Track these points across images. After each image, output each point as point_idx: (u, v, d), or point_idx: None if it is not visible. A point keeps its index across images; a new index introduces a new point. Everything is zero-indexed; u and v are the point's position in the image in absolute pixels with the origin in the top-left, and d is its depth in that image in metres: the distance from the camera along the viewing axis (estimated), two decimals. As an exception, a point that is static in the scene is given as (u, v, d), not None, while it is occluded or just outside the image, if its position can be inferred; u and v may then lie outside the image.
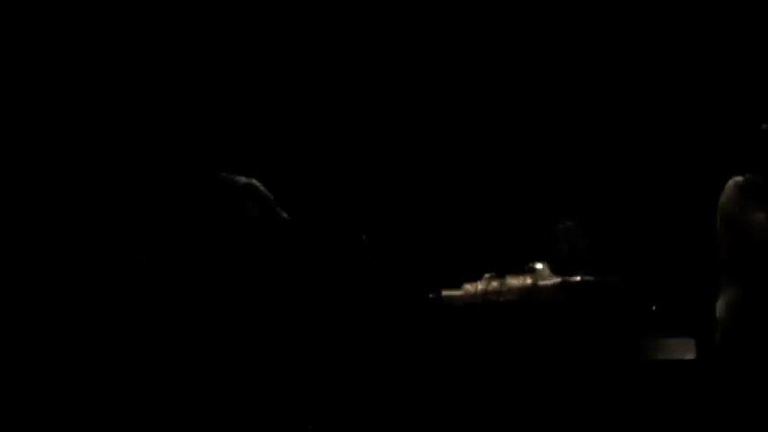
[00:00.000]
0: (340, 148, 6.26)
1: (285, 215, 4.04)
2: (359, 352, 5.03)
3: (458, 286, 4.78)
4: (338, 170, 6.13)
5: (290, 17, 6.16)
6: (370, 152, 6.32)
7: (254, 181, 4.04)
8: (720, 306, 3.60)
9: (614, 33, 6.36)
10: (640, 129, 6.35)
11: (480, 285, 4.62)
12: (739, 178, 3.71)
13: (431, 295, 4.87)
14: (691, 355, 4.47)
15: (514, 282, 4.55)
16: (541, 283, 4.48)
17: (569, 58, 6.35)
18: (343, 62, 6.25)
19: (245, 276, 4.10)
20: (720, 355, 3.63)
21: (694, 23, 6.37)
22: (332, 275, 4.80)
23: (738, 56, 6.44)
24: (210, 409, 3.95)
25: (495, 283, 4.58)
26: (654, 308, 4.55)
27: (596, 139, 6.24)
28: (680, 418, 4.46)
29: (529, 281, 4.50)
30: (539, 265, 4.56)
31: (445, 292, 4.76)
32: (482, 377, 4.50)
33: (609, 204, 5.73)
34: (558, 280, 4.46)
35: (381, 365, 4.90)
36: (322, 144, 6.22)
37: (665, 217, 5.62)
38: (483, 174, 6.14)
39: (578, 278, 4.38)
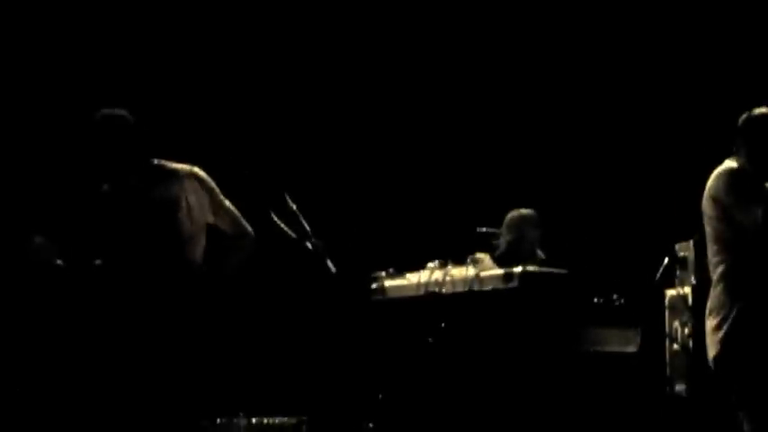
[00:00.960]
0: (292, 139, 6.40)
1: (238, 215, 4.12)
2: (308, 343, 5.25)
3: (401, 275, 4.85)
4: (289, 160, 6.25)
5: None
6: (323, 142, 6.47)
7: (196, 168, 4.08)
8: (720, 293, 3.69)
9: (567, 30, 6.54)
10: (593, 125, 6.57)
11: (423, 276, 4.70)
12: (724, 167, 3.84)
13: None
14: (633, 348, 4.62)
15: (458, 271, 4.64)
16: (485, 273, 4.54)
17: (523, 52, 6.54)
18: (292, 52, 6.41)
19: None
20: (737, 337, 3.71)
21: (654, 19, 6.54)
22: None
23: (691, 51, 6.62)
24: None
25: (438, 274, 4.66)
26: (596, 300, 4.66)
27: (548, 134, 6.46)
28: (621, 409, 4.61)
29: (472, 271, 4.56)
30: (480, 256, 4.65)
31: (388, 283, 4.83)
32: (425, 368, 4.60)
33: (561, 197, 5.92)
34: (500, 271, 4.53)
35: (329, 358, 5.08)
36: (276, 135, 6.34)
37: (612, 211, 5.79)
38: (432, 164, 6.36)
39: (520, 269, 4.44)
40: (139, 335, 3.95)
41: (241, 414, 4.41)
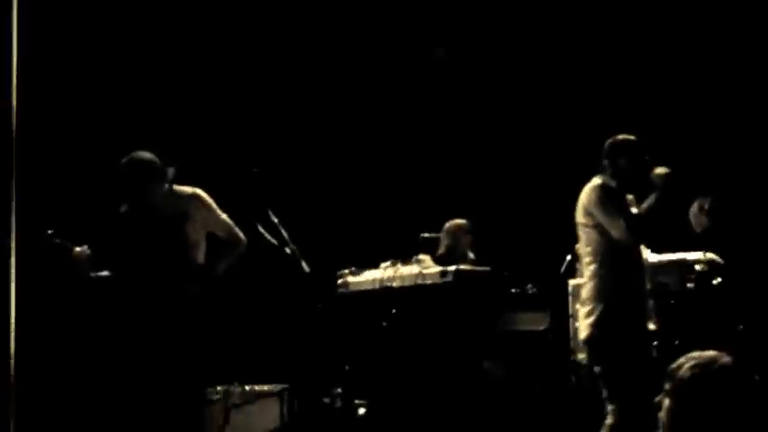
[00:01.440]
0: (253, 140, 6.85)
1: (234, 225, 4.78)
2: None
3: (361, 272, 5.71)
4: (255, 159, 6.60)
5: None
6: (285, 144, 6.97)
7: (199, 191, 4.79)
8: (594, 288, 4.34)
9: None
10: (516, 140, 7.18)
11: (378, 273, 5.60)
12: (598, 181, 4.41)
13: None
14: (544, 326, 5.59)
15: (406, 269, 5.54)
16: (426, 271, 5.47)
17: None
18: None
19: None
20: (604, 323, 4.33)
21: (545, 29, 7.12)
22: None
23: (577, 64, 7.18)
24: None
25: (390, 271, 5.55)
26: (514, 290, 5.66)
27: (475, 153, 7.10)
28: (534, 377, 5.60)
29: (416, 269, 5.49)
30: (423, 257, 5.58)
31: (351, 279, 5.69)
32: (381, 344, 5.44)
33: (486, 207, 6.66)
34: (438, 268, 5.46)
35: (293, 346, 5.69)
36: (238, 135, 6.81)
37: (525, 218, 6.67)
38: (385, 180, 7.01)
39: (454, 267, 5.37)
40: (154, 319, 4.61)
41: (236, 383, 5.09)
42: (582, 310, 4.42)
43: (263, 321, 5.93)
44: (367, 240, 6.17)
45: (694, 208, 5.55)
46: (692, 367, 2.56)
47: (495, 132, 7.13)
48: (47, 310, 5.67)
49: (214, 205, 4.82)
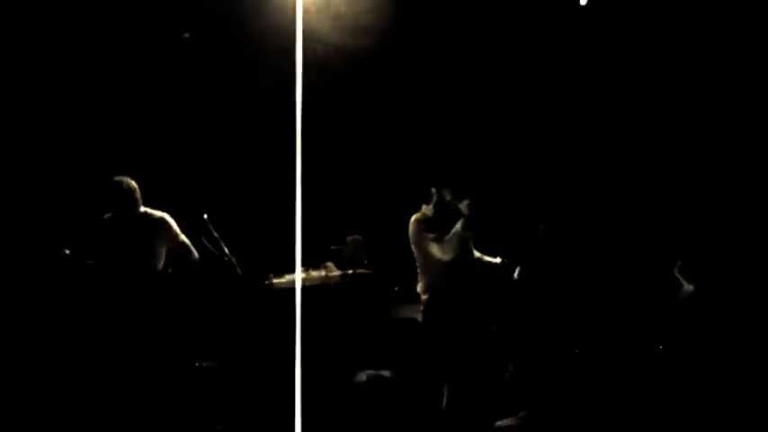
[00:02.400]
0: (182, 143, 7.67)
1: (190, 245, 5.88)
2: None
3: (282, 276, 6.93)
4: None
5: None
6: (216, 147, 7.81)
7: (166, 215, 5.96)
8: (421, 287, 5.88)
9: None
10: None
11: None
12: (417, 214, 5.76)
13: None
14: (418, 315, 6.69)
15: (315, 273, 6.95)
16: (330, 274, 6.92)
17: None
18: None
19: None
20: (426, 312, 5.82)
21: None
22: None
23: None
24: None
25: (304, 274, 6.85)
26: (396, 288, 7.00)
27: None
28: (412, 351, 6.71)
29: (323, 273, 6.93)
30: (329, 264, 7.03)
31: (275, 280, 6.91)
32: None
33: (376, 224, 7.59)
34: (339, 272, 6.89)
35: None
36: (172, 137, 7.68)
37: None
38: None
39: (351, 271, 6.86)
40: (124, 308, 5.77)
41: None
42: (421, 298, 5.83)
43: (209, 311, 6.72)
44: (287, 251, 7.50)
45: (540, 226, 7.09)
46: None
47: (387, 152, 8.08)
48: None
49: (177, 228, 6.07)
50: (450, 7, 7.28)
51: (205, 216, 6.54)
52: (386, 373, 3.67)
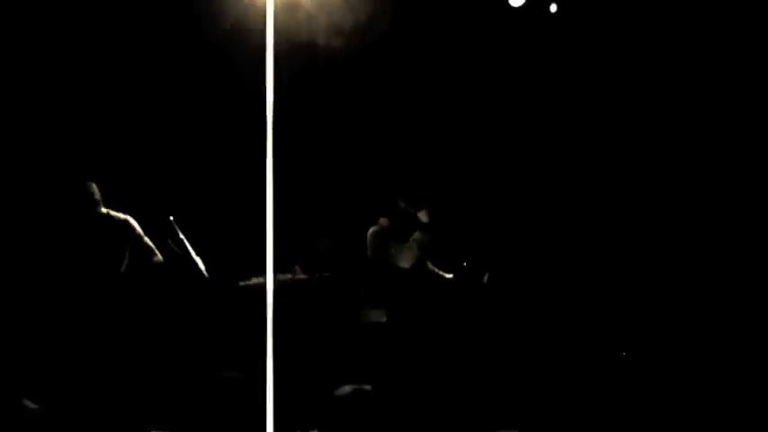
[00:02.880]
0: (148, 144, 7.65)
1: (154, 248, 6.00)
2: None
3: (248, 279, 6.96)
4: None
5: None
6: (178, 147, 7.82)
7: (130, 218, 6.08)
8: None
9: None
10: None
11: (262, 278, 6.77)
12: (376, 228, 5.99)
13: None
14: (384, 318, 6.92)
15: (282, 276, 6.85)
16: (297, 277, 6.93)
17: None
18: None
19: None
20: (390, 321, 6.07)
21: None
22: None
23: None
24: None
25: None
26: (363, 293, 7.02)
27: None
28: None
29: (290, 276, 6.96)
30: (296, 267, 7.00)
31: (241, 283, 6.94)
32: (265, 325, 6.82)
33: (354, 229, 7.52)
34: (304, 276, 6.95)
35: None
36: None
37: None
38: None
39: (317, 274, 6.88)
40: (86, 312, 5.88)
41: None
42: None
43: (174, 309, 6.73)
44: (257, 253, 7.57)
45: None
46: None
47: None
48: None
49: (140, 231, 6.15)
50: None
51: (171, 218, 6.56)
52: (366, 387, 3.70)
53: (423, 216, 5.84)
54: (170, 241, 6.53)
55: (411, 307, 6.29)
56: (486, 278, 6.60)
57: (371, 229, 6.03)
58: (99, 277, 5.97)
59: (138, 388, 5.90)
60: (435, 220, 5.92)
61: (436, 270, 6.71)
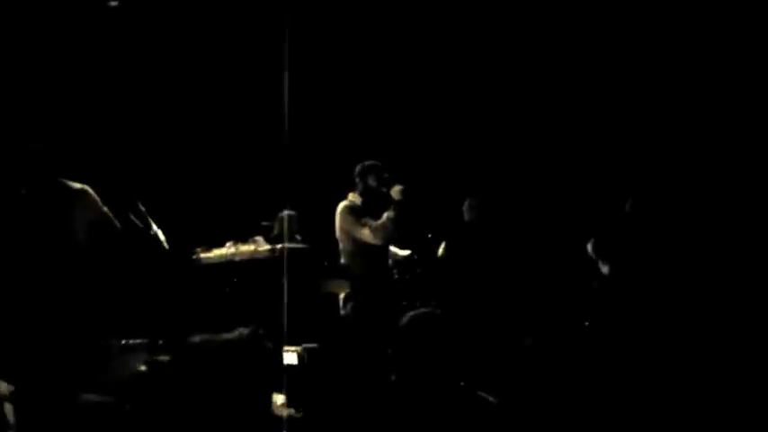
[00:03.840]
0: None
1: (112, 218, 5.81)
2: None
3: (210, 250, 7.03)
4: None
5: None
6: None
7: (87, 187, 5.78)
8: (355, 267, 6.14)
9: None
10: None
11: (224, 250, 7.00)
12: (346, 202, 6.03)
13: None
14: (348, 289, 7.00)
15: (244, 247, 6.93)
16: (259, 248, 6.90)
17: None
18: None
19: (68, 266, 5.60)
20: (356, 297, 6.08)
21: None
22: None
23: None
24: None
25: (232, 248, 6.96)
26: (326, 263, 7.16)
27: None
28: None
29: (252, 247, 6.92)
30: (258, 238, 7.00)
31: (203, 255, 6.96)
32: (224, 300, 6.83)
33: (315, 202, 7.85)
34: (268, 246, 6.89)
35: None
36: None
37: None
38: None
39: (280, 246, 6.80)
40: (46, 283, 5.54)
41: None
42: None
43: (132, 281, 6.72)
44: (216, 225, 7.59)
45: (466, 204, 7.31)
46: (410, 317, 3.65)
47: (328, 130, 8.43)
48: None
49: (98, 200, 5.82)
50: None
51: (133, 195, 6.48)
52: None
53: (395, 193, 5.89)
54: (130, 213, 6.44)
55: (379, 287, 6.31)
56: (442, 248, 6.69)
57: (342, 204, 6.04)
58: (54, 248, 5.72)
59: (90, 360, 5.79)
60: (407, 197, 5.90)
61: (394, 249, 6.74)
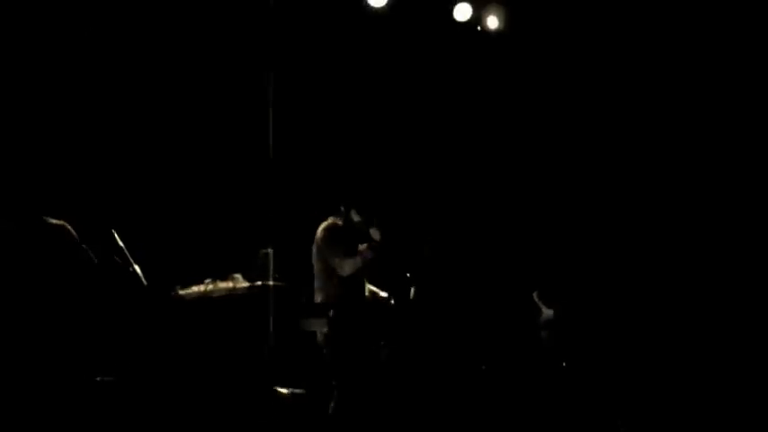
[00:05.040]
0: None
1: (88, 251, 5.86)
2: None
3: (189, 287, 7.01)
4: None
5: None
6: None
7: (65, 223, 5.85)
8: (323, 294, 6.20)
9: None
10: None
11: (202, 287, 7.00)
12: (329, 224, 6.08)
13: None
14: (325, 329, 6.89)
15: (222, 284, 6.97)
16: (238, 285, 6.95)
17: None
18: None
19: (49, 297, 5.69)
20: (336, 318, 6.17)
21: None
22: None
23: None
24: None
25: (211, 285, 6.97)
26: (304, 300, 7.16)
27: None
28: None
29: (231, 284, 6.96)
30: (236, 275, 7.04)
31: (181, 291, 6.96)
32: (203, 333, 6.86)
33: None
34: (247, 284, 6.95)
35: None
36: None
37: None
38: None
39: (259, 283, 6.89)
40: (24, 320, 5.67)
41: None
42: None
43: (111, 316, 6.59)
44: (195, 263, 7.60)
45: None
46: None
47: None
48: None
49: (76, 238, 5.86)
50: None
51: (112, 230, 6.55)
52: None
53: (374, 234, 5.99)
54: (110, 249, 6.47)
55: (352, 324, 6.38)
56: (412, 292, 6.81)
57: (324, 224, 6.12)
58: (34, 284, 5.78)
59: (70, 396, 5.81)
60: (386, 237, 5.99)
61: (374, 290, 6.83)
